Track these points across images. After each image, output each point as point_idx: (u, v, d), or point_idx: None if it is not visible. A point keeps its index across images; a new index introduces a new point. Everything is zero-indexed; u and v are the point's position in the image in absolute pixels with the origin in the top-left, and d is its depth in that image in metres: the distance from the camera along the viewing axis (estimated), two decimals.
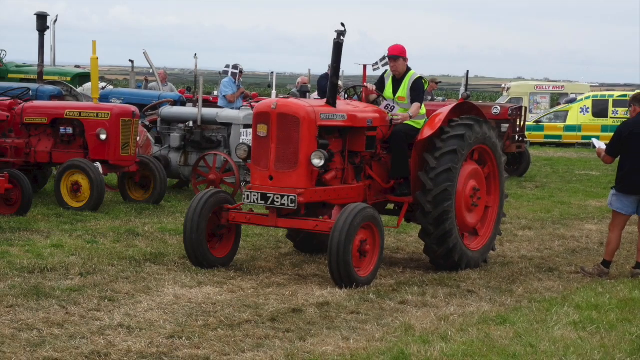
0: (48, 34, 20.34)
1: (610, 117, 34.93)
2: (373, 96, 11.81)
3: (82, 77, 23.52)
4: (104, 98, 19.21)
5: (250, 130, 12.88)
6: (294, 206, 10.28)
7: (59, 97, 18.71)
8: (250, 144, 10.78)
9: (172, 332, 7.91)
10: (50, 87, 19.03)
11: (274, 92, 19.10)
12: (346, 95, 12.19)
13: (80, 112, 15.23)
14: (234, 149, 12.45)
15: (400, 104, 11.64)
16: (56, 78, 21.50)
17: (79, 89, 21.10)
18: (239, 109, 18.05)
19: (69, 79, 22.40)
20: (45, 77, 20.00)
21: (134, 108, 15.52)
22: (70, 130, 15.21)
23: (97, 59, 15.67)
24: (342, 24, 10.65)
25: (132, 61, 27.74)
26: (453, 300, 9.76)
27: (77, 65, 28.36)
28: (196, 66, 22.64)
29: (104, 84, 24.17)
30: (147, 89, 23.59)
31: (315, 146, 10.44)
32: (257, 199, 10.44)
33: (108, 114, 15.05)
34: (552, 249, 13.38)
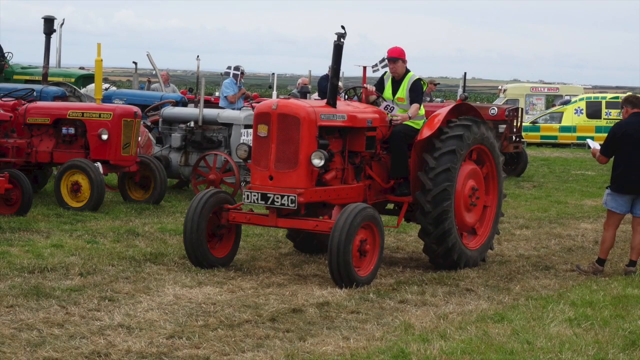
0: (54, 37, 20.39)
1: (604, 118, 35.06)
2: (373, 97, 11.84)
3: (86, 79, 23.55)
4: (107, 99, 19.26)
5: (250, 131, 12.91)
6: (294, 206, 10.30)
7: (62, 98, 18.74)
8: (251, 144, 10.81)
9: (172, 332, 7.92)
10: (54, 88, 19.08)
11: (274, 92, 19.13)
12: (346, 96, 12.23)
13: (82, 113, 15.26)
14: (235, 149, 12.48)
15: (399, 104, 11.68)
16: (60, 79, 21.53)
17: (83, 90, 21.14)
18: (240, 109, 18.09)
19: (73, 80, 22.43)
20: (49, 79, 20.06)
21: (136, 109, 15.56)
22: (72, 130, 15.24)
23: (102, 60, 15.64)
24: (343, 27, 10.70)
25: (135, 63, 27.84)
26: (452, 298, 9.80)
27: (82, 67, 28.38)
28: (198, 67, 22.66)
29: (107, 85, 24.21)
30: (149, 90, 23.59)
31: (316, 146, 10.47)
32: (257, 199, 10.46)
33: (110, 114, 15.08)
34: (549, 248, 13.44)
